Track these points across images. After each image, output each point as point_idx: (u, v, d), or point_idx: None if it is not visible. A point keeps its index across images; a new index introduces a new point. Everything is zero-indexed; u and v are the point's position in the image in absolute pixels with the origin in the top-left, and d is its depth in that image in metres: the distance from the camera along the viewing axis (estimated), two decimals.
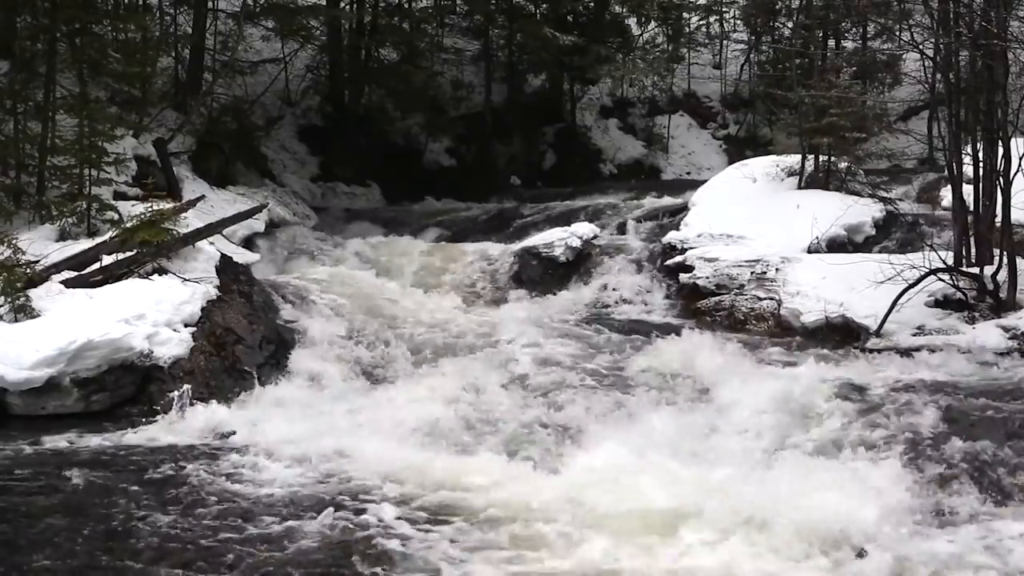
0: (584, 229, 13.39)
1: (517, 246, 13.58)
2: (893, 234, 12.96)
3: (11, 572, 5.56)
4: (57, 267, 9.95)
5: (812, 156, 14.36)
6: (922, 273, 9.98)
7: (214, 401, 8.78)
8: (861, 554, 5.84)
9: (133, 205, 11.09)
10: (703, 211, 13.75)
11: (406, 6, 23.58)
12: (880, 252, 12.01)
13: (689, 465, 7.25)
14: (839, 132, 13.69)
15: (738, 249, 12.13)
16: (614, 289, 12.43)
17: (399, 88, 21.46)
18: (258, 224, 14.34)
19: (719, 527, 6.15)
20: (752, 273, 11.53)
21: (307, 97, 21.76)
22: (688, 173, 22.21)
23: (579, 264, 13.02)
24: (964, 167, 10.68)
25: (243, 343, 9.84)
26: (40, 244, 10.30)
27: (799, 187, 14.18)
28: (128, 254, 10.18)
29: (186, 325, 9.44)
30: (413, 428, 8.21)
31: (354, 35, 21.09)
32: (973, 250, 10.56)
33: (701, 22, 25.75)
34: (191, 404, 8.65)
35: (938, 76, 11.51)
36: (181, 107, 16.53)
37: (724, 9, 25.30)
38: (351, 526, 6.23)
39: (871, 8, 18.28)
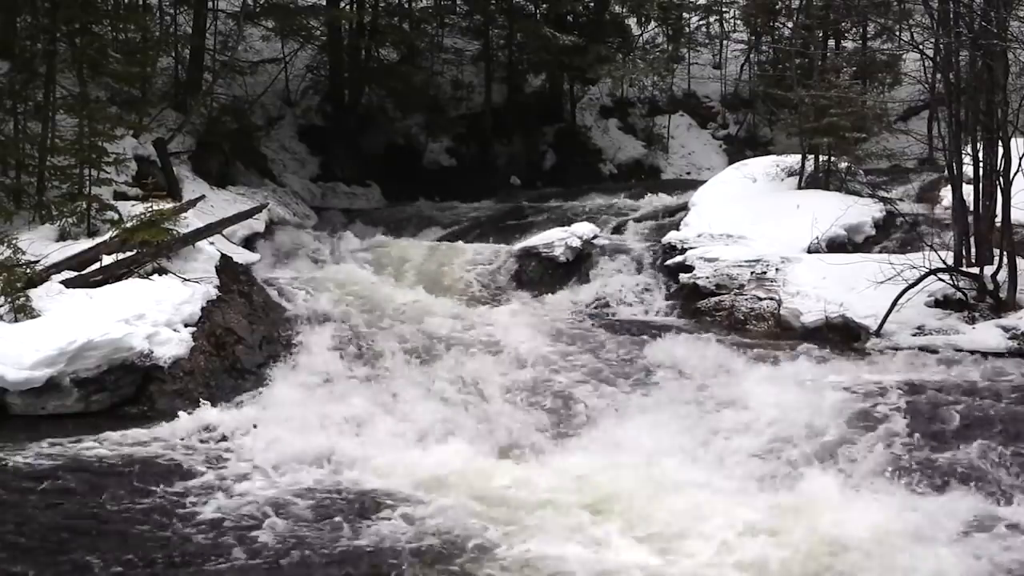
0: (584, 229, 13.38)
1: (517, 246, 13.57)
2: (893, 234, 12.96)
3: (9, 571, 5.56)
4: (57, 267, 9.94)
5: (812, 156, 14.36)
6: (922, 273, 9.99)
7: (214, 401, 8.77)
8: None
9: (133, 205, 11.09)
10: (703, 211, 13.75)
11: (406, 6, 23.60)
12: (880, 252, 12.01)
13: (688, 466, 7.26)
14: (839, 132, 13.69)
15: (738, 249, 12.13)
16: (614, 289, 12.41)
17: (399, 88, 21.48)
18: (258, 224, 14.33)
19: (720, 532, 6.15)
20: (752, 273, 11.52)
21: (307, 97, 21.77)
22: (688, 173, 22.20)
23: (579, 264, 13.01)
24: (964, 167, 10.68)
25: (243, 343, 9.84)
26: (40, 244, 10.30)
27: (799, 187, 14.19)
28: (128, 254, 10.18)
29: (186, 325, 9.44)
30: (414, 428, 8.22)
31: (354, 35, 21.10)
32: (973, 250, 10.56)
33: (701, 22, 25.73)
34: (191, 404, 8.65)
35: (938, 76, 11.51)
36: (181, 107, 16.53)
37: (724, 9, 25.28)
38: (353, 527, 6.23)
39: (871, 8, 18.28)
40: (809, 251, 12.14)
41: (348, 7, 21.39)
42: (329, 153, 20.58)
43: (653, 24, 25.06)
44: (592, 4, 23.32)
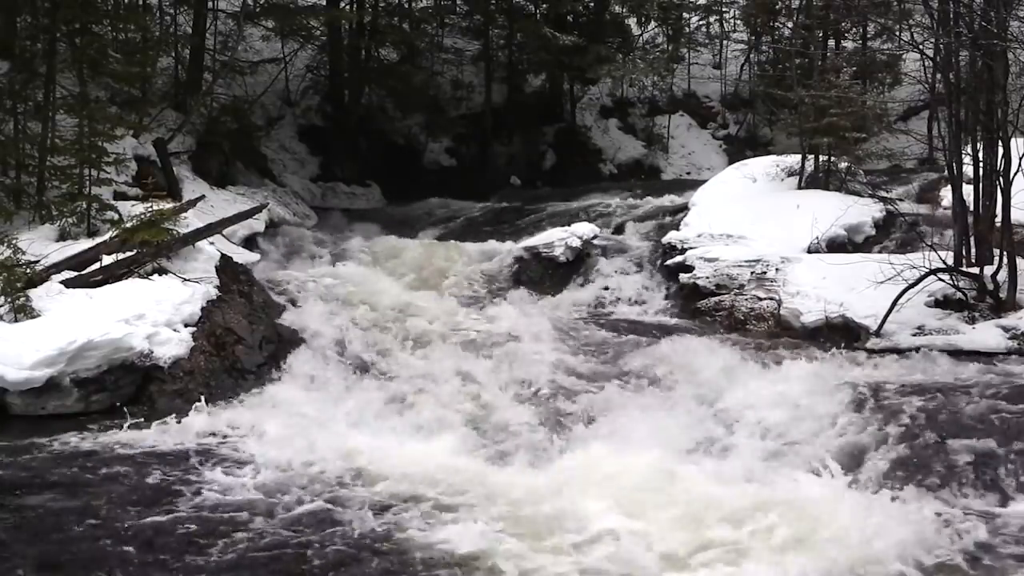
0: (584, 229, 13.38)
1: (517, 246, 13.57)
2: (893, 234, 12.97)
3: (9, 571, 5.56)
4: (57, 267, 9.94)
5: (812, 156, 14.37)
6: (922, 273, 9.99)
7: (214, 401, 8.77)
8: None
9: (133, 205, 11.10)
10: (703, 211, 13.76)
11: (406, 6, 23.61)
12: (880, 252, 12.02)
13: (688, 464, 7.26)
14: (839, 132, 13.70)
15: (738, 249, 12.14)
16: (614, 289, 12.43)
17: (399, 88, 21.50)
18: (258, 224, 14.34)
19: (719, 533, 6.15)
20: (752, 273, 11.53)
21: (307, 97, 21.79)
22: (688, 173, 22.22)
23: (579, 264, 13.02)
24: (964, 167, 10.68)
25: (243, 343, 9.84)
26: (40, 244, 10.30)
27: (799, 187, 14.20)
28: (128, 254, 10.18)
29: (186, 325, 9.44)
30: (414, 428, 8.22)
31: (354, 35, 21.11)
32: (973, 250, 10.57)
33: (701, 22, 25.75)
34: (191, 404, 8.65)
35: (938, 76, 11.51)
36: (181, 107, 16.54)
37: (724, 9, 25.30)
38: (354, 528, 6.23)
39: (871, 8, 18.28)
40: (809, 251, 12.14)
41: (348, 7, 21.41)
42: (329, 153, 20.60)
43: (653, 24, 25.08)
44: (592, 4, 23.33)
